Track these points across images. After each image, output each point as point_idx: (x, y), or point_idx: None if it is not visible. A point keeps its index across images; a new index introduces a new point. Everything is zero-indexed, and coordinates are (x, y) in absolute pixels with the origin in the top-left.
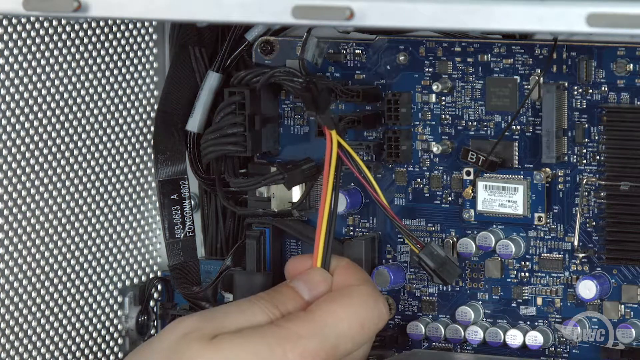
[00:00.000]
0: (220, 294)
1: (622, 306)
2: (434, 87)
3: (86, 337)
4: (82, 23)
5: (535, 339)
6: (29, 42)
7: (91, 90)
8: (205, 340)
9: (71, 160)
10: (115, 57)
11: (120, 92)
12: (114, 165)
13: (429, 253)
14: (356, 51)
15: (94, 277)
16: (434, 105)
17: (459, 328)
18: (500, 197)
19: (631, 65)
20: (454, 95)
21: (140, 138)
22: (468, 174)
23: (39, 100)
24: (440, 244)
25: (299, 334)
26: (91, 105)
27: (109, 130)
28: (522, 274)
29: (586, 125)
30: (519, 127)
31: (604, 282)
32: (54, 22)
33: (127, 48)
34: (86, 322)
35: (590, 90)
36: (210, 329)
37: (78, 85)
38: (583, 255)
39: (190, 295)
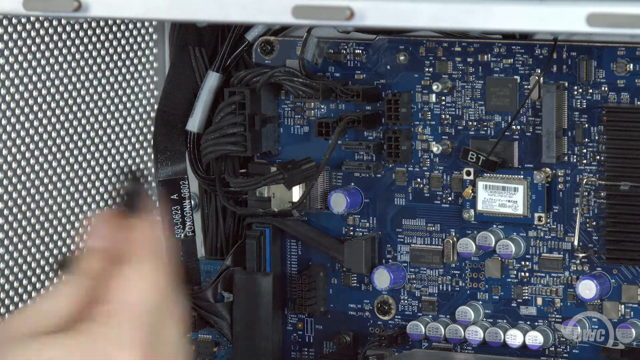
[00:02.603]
0: (220, 294)
1: (622, 306)
2: (434, 87)
3: None
4: (82, 23)
5: (535, 339)
6: (29, 42)
7: (91, 90)
8: (21, 339)
9: (71, 160)
10: (115, 57)
11: (120, 92)
12: (114, 165)
13: None
14: (356, 51)
15: None
16: (434, 105)
17: (459, 328)
18: (500, 197)
19: (631, 65)
20: (454, 95)
21: (140, 138)
22: (468, 174)
23: (39, 100)
24: None
25: (108, 327)
26: (91, 105)
27: (109, 130)
28: (522, 274)
29: (586, 125)
30: (519, 127)
31: (604, 282)
32: (54, 22)
33: (127, 48)
34: None
35: (590, 90)
36: (26, 324)
37: (78, 85)
38: (583, 255)
39: (190, 295)
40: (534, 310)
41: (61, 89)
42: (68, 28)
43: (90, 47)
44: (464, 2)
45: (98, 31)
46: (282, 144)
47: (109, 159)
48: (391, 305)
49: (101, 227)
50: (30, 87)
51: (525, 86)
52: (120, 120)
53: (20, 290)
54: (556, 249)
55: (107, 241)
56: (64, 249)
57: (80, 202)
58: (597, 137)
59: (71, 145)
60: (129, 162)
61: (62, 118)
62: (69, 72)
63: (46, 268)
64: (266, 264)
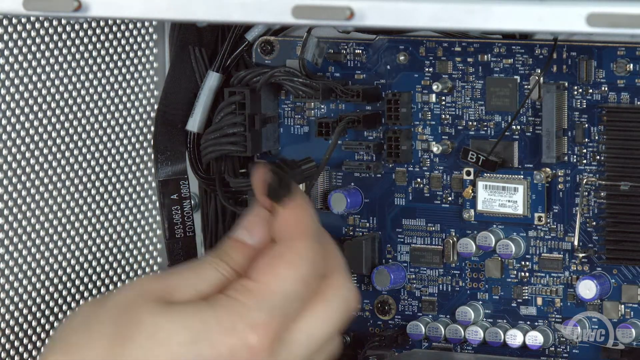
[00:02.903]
0: None
1: (622, 306)
2: (434, 87)
3: None
4: (82, 23)
5: (535, 339)
6: (29, 42)
7: (91, 90)
8: (158, 305)
9: (71, 160)
10: (115, 57)
11: (120, 92)
12: (114, 165)
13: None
14: (356, 51)
15: (94, 277)
16: (434, 105)
17: (459, 328)
18: (500, 197)
19: (631, 65)
20: (454, 95)
21: (140, 138)
22: (468, 174)
23: (39, 100)
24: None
25: (246, 305)
26: (91, 105)
27: (109, 130)
28: (522, 273)
29: (586, 125)
30: (519, 127)
31: (604, 282)
32: (54, 22)
33: (127, 48)
34: None
35: (590, 90)
36: (163, 290)
37: (78, 85)
38: (583, 255)
39: None
40: (534, 310)
41: (61, 89)
42: (68, 28)
43: (90, 47)
44: (464, 2)
45: (98, 31)
46: (282, 144)
47: (109, 159)
48: (391, 305)
49: (253, 224)
50: (30, 87)
51: (525, 86)
52: (120, 120)
53: (20, 291)
54: (556, 249)
55: (258, 238)
56: (63, 249)
57: (80, 202)
58: (597, 137)
59: (71, 145)
60: (129, 162)
61: (62, 118)
62: (69, 72)
63: (46, 268)
64: None
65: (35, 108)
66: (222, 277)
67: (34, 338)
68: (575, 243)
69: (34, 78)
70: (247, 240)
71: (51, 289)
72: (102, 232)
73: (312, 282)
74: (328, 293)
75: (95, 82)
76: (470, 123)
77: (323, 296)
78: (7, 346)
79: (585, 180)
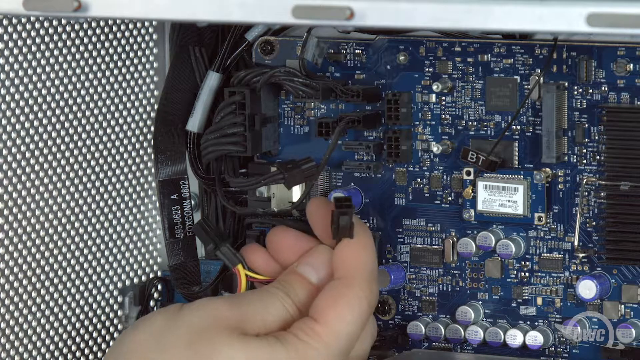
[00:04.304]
0: (220, 294)
1: (622, 306)
2: (434, 87)
3: (86, 337)
4: (82, 23)
5: (535, 339)
6: (29, 42)
7: (91, 90)
8: (233, 335)
9: (71, 160)
10: (115, 57)
11: (120, 92)
12: (114, 165)
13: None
14: (356, 51)
15: (94, 277)
16: (434, 105)
17: (459, 328)
18: (500, 197)
19: (631, 65)
20: (454, 95)
21: (140, 138)
22: (468, 174)
23: (39, 100)
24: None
25: (314, 347)
26: (91, 105)
27: (109, 130)
28: (522, 274)
29: (586, 125)
30: (519, 127)
31: (604, 282)
32: (54, 22)
33: (127, 48)
34: (86, 322)
35: (590, 90)
36: (237, 319)
37: (78, 85)
38: (583, 255)
39: (190, 295)
40: (534, 310)
41: (61, 89)
42: (68, 28)
43: (90, 47)
44: (464, 2)
45: (98, 31)
46: (282, 144)
47: (109, 159)
48: (391, 305)
49: (319, 263)
50: (30, 87)
51: (525, 86)
52: (120, 120)
53: (20, 290)
54: (556, 249)
55: (323, 279)
56: (64, 250)
57: (80, 202)
58: (597, 137)
59: (71, 145)
60: (129, 162)
61: (62, 118)
62: (69, 72)
63: (46, 268)
64: None
65: (35, 108)
66: (287, 313)
67: (34, 338)
68: (575, 243)
69: (34, 78)
70: (312, 279)
71: (51, 289)
72: (102, 232)
73: (367, 317)
74: (368, 329)
75: (95, 82)
76: (470, 123)
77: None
78: (7, 346)
79: (585, 180)
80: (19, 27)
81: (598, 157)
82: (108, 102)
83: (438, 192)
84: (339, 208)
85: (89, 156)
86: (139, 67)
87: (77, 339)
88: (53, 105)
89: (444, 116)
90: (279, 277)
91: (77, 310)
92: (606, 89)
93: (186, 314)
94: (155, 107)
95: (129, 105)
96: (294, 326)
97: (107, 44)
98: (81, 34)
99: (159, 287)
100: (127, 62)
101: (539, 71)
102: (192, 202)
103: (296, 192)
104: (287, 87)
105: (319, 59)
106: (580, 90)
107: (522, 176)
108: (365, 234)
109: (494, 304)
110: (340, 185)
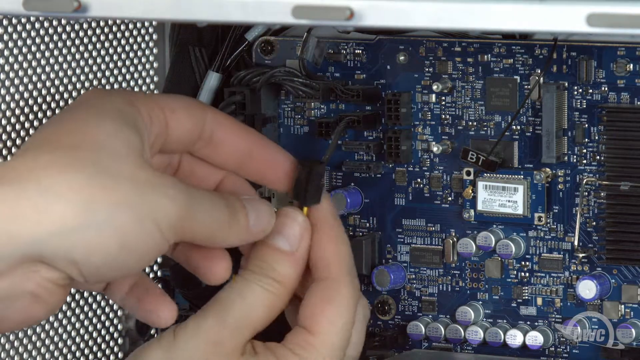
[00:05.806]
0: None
1: (622, 306)
2: (434, 87)
3: (86, 337)
4: (82, 23)
5: (535, 339)
6: (29, 42)
7: None
8: (235, 357)
9: None
10: (115, 57)
11: None
12: None
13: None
14: (356, 51)
15: None
16: (434, 105)
17: (459, 328)
18: (500, 197)
19: (631, 65)
20: (454, 95)
21: None
22: (468, 174)
23: (39, 100)
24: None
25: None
26: None
27: None
28: (522, 274)
29: (586, 125)
30: (519, 127)
31: (604, 282)
32: (54, 22)
33: (127, 48)
34: (86, 322)
35: (590, 90)
36: (234, 340)
37: (78, 86)
38: (583, 255)
39: (190, 295)
40: (534, 310)
41: (61, 89)
42: (68, 28)
43: (90, 47)
44: (464, 2)
45: (98, 31)
46: (282, 144)
47: None
48: (391, 305)
49: (289, 230)
50: (30, 87)
51: (525, 86)
52: None
53: None
54: (556, 249)
55: (296, 245)
56: None
57: None
58: (597, 137)
59: None
60: None
61: None
62: (69, 72)
63: None
64: None
65: (35, 108)
66: (270, 294)
67: (33, 338)
68: (575, 243)
69: (34, 78)
70: (285, 248)
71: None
72: None
73: (355, 312)
74: (360, 313)
75: (95, 82)
76: (470, 123)
77: (357, 317)
78: (7, 346)
79: (585, 180)
80: (19, 27)
81: (598, 157)
82: None
83: (438, 192)
84: (305, 165)
85: None
86: (139, 67)
87: (77, 339)
88: (53, 105)
89: (444, 116)
90: (251, 256)
91: (77, 310)
92: (606, 89)
93: (181, 347)
94: None
95: None
96: (288, 340)
97: (107, 44)
98: (81, 34)
99: (159, 287)
100: (127, 62)
101: (539, 71)
102: None
103: None
104: (287, 87)
105: (319, 59)
106: (580, 90)
107: (522, 176)
108: (338, 222)
109: (494, 304)
110: (340, 185)
